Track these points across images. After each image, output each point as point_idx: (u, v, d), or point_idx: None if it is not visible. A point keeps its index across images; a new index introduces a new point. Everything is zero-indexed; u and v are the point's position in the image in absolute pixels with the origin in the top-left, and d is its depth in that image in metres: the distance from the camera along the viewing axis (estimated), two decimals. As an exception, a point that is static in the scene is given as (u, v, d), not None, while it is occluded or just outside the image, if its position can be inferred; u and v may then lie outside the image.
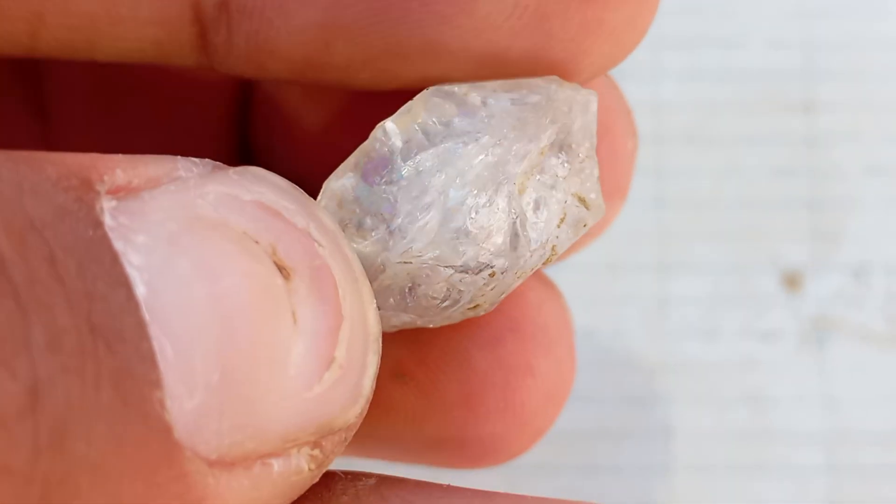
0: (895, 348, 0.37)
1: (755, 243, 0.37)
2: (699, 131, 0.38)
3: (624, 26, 0.20)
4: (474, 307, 0.20)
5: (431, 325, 0.20)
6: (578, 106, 0.20)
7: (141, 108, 0.26)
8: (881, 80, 0.39)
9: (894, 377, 0.36)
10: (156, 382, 0.14)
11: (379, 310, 0.18)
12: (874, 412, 0.36)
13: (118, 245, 0.15)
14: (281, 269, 0.16)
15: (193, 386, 0.15)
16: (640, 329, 0.37)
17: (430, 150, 0.19)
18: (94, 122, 0.26)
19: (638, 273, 0.37)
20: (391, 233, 0.19)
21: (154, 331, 0.15)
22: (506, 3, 0.20)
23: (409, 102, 0.20)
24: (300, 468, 0.16)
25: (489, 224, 0.19)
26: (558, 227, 0.20)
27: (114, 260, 0.15)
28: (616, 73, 0.23)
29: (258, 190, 0.17)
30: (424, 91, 0.20)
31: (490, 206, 0.19)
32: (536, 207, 0.20)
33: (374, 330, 0.17)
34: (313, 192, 0.19)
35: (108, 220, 0.15)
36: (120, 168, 0.16)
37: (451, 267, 0.19)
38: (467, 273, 0.19)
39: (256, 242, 0.16)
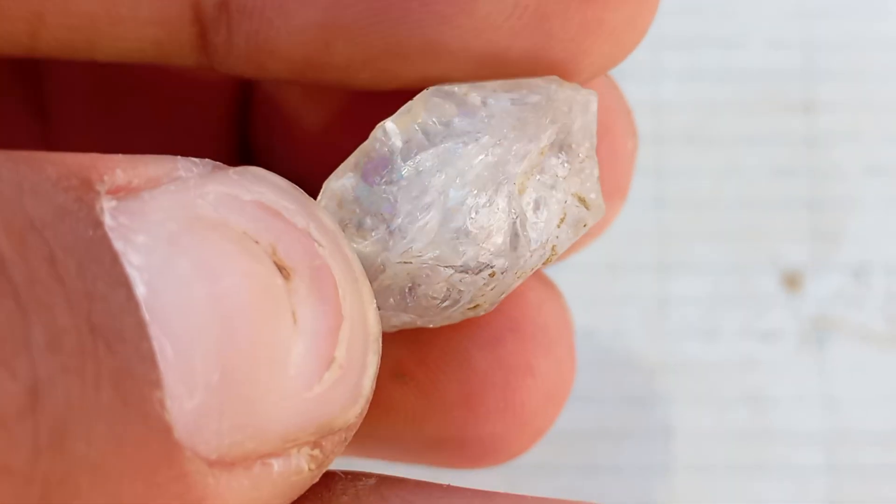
0: (895, 348, 0.37)
1: (755, 243, 0.37)
2: (699, 131, 0.38)
3: (624, 26, 0.20)
4: (474, 307, 0.20)
5: (431, 325, 0.20)
6: (578, 106, 0.20)
7: (141, 107, 0.26)
8: (881, 80, 0.39)
9: (894, 377, 0.36)
10: (156, 382, 0.14)
11: (379, 310, 0.18)
12: (874, 412, 0.36)
13: (118, 245, 0.15)
14: (281, 269, 0.16)
15: (193, 386, 0.15)
16: (640, 329, 0.37)
17: (430, 150, 0.19)
18: (94, 122, 0.26)
19: (638, 273, 0.37)
20: (391, 233, 0.19)
21: (154, 331, 0.15)
22: (506, 3, 0.20)
23: (409, 102, 0.20)
24: (300, 468, 0.16)
25: (489, 224, 0.19)
26: (558, 227, 0.20)
27: (114, 260, 0.15)
28: (616, 72, 0.23)
29: (258, 190, 0.17)
30: (424, 91, 0.20)
31: (490, 206, 0.19)
32: (536, 207, 0.20)
33: (374, 330, 0.17)
34: (313, 191, 0.19)
35: (108, 220, 0.15)
36: (120, 168, 0.16)
37: (451, 267, 0.19)
38: (467, 273, 0.19)
39: (256, 242, 0.16)
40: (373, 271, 0.19)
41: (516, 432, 0.24)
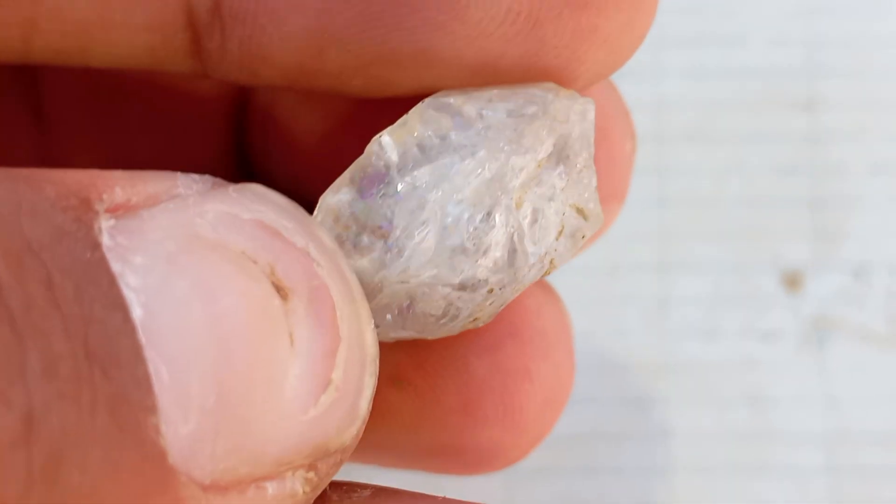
0: (895, 348, 0.37)
1: (756, 243, 0.37)
2: (701, 130, 0.38)
3: (619, 33, 0.20)
4: (473, 321, 0.20)
5: (430, 338, 0.20)
6: (576, 115, 0.20)
7: (139, 112, 0.26)
8: (883, 78, 0.38)
9: (895, 377, 0.36)
10: (151, 408, 0.14)
11: (377, 327, 0.18)
12: (874, 412, 0.36)
13: (116, 267, 0.15)
14: (279, 289, 0.16)
15: (189, 409, 0.15)
16: (640, 329, 0.37)
17: (427, 166, 0.19)
18: (91, 126, 0.26)
19: (638, 273, 0.37)
20: (388, 249, 0.19)
21: (150, 354, 0.15)
22: (498, 9, 0.19)
23: (405, 116, 0.19)
24: (295, 491, 0.16)
25: (487, 241, 0.19)
26: (556, 239, 0.20)
27: (111, 282, 0.15)
28: (616, 71, 0.23)
29: (257, 209, 0.17)
30: (420, 104, 0.20)
31: (487, 221, 0.19)
32: (534, 221, 0.20)
33: (372, 351, 0.17)
34: (309, 199, 0.19)
35: (106, 240, 0.15)
36: (119, 186, 0.16)
37: (449, 285, 0.19)
38: (465, 290, 0.19)
39: (255, 262, 0.16)
40: (370, 290, 0.19)
41: (515, 438, 0.24)
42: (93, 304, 0.14)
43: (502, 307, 0.20)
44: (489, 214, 0.19)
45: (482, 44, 0.20)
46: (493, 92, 0.20)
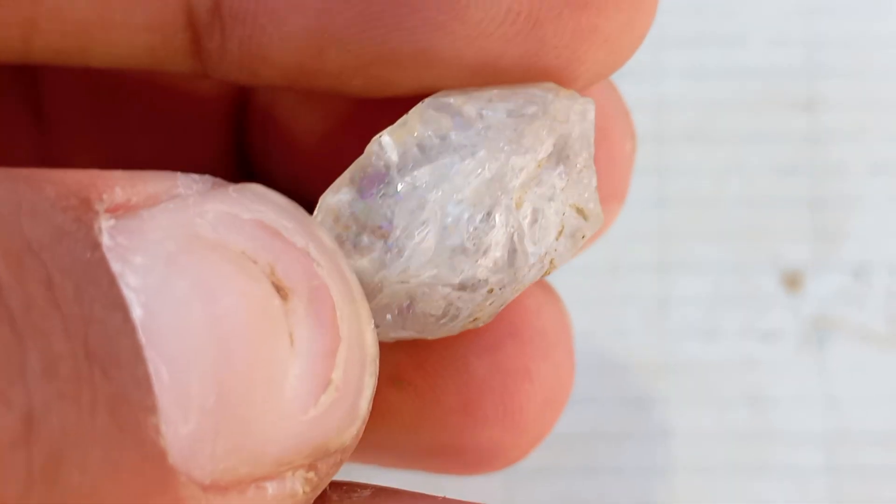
0: (895, 348, 0.37)
1: (756, 243, 0.37)
2: (700, 130, 0.38)
3: (619, 33, 0.20)
4: (473, 320, 0.20)
5: (430, 338, 0.20)
6: (576, 115, 0.20)
7: (138, 111, 0.26)
8: (883, 78, 0.38)
9: (895, 377, 0.36)
10: (151, 408, 0.14)
11: (377, 327, 0.18)
12: (874, 412, 0.36)
13: (116, 266, 0.15)
14: (279, 289, 0.16)
15: (189, 409, 0.15)
16: (640, 329, 0.37)
17: (427, 167, 0.19)
18: (91, 125, 0.26)
19: (638, 273, 0.37)
20: (388, 250, 0.19)
21: (150, 354, 0.15)
22: (498, 9, 0.19)
23: (405, 116, 0.19)
24: (295, 491, 0.16)
25: (487, 241, 0.19)
26: (556, 239, 0.20)
27: (111, 282, 0.15)
28: (616, 71, 0.23)
29: (257, 208, 0.17)
30: (420, 104, 0.20)
31: (487, 221, 0.19)
32: (534, 221, 0.20)
33: (372, 351, 0.17)
34: (309, 198, 0.19)
35: (106, 240, 0.15)
36: (119, 186, 0.16)
37: (449, 285, 0.19)
38: (465, 290, 0.19)
39: (255, 262, 0.16)
40: (370, 290, 0.19)
41: (515, 438, 0.24)
42: (93, 304, 0.14)
43: (502, 307, 0.20)
44: (489, 214, 0.19)
45: (482, 44, 0.20)
46: (493, 92, 0.20)
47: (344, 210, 0.19)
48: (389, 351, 0.23)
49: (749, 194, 0.38)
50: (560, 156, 0.20)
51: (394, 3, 0.20)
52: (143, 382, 0.14)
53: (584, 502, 0.36)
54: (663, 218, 0.37)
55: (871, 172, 0.38)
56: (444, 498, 0.19)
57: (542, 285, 0.25)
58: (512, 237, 0.19)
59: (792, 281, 0.37)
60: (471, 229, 0.19)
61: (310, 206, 0.18)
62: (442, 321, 0.19)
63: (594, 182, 0.21)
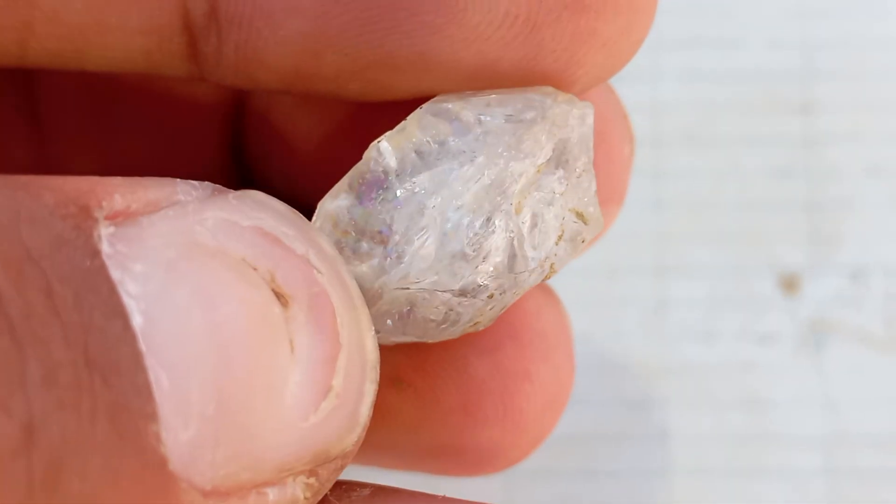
0: (893, 351, 0.37)
1: (753, 245, 0.37)
2: (698, 133, 0.38)
3: (618, 37, 0.20)
4: (474, 325, 0.20)
5: (431, 342, 0.20)
6: (574, 120, 0.20)
7: (135, 115, 0.26)
8: (880, 81, 0.38)
9: (892, 380, 0.36)
10: (151, 415, 0.14)
11: (377, 332, 0.18)
12: (872, 415, 0.36)
13: (115, 274, 0.15)
14: (279, 295, 0.16)
15: (189, 416, 0.15)
16: (637, 332, 0.37)
17: (426, 173, 0.19)
18: (87, 130, 0.26)
19: (636, 275, 0.37)
20: (388, 255, 0.19)
21: (150, 361, 0.15)
22: (496, 12, 0.19)
23: (403, 121, 0.19)
24: (296, 497, 0.16)
25: (487, 246, 0.19)
26: (556, 244, 0.20)
27: (111, 290, 0.15)
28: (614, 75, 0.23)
29: (257, 215, 0.17)
30: (418, 109, 0.20)
31: (487, 227, 0.19)
32: (533, 226, 0.20)
33: (372, 357, 0.17)
34: (307, 203, 0.19)
35: (105, 248, 0.15)
36: (118, 193, 0.16)
37: (450, 291, 0.19)
38: (465, 296, 0.19)
39: (255, 269, 0.16)
40: (370, 296, 0.19)
41: (515, 439, 0.24)
42: (92, 312, 0.14)
43: (503, 311, 0.20)
44: (489, 220, 0.19)
45: (480, 47, 0.20)
46: (492, 96, 0.20)
47: (343, 216, 0.19)
48: (389, 352, 0.23)
49: (746, 197, 0.38)
50: (559, 160, 0.20)
51: (391, 6, 0.20)
52: (143, 390, 0.14)
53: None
54: (661, 221, 0.37)
55: (867, 175, 0.38)
56: (443, 497, 0.19)
57: (541, 288, 0.25)
58: (512, 242, 0.19)
59: (789, 284, 0.37)
60: (471, 235, 0.19)
61: (307, 211, 0.18)
62: (442, 326, 0.19)
63: (593, 186, 0.21)
